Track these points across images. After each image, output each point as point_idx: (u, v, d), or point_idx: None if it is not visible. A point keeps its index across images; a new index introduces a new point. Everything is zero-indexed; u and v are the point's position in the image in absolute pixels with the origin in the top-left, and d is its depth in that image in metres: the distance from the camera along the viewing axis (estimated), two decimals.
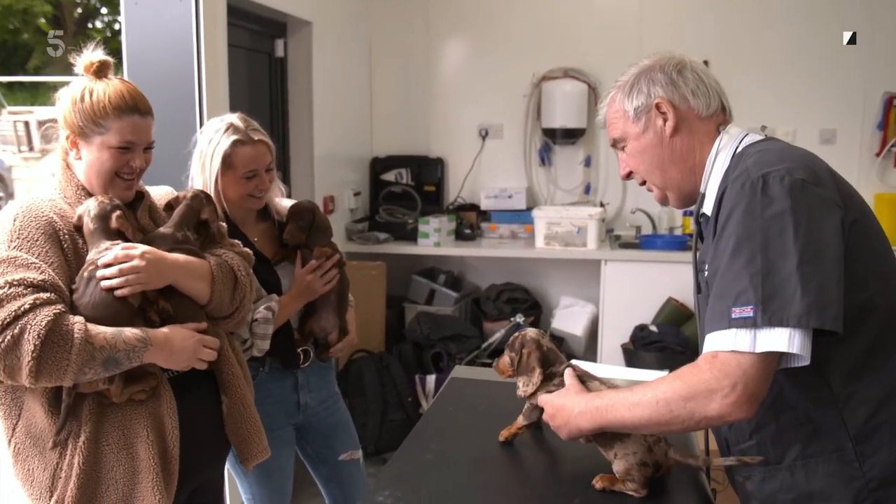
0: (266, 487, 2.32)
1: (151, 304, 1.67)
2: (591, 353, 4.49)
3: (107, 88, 1.69)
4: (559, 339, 4.53)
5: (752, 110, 4.37)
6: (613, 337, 4.29)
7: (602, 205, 4.75)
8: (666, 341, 4.04)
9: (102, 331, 1.54)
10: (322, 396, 2.40)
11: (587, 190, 4.88)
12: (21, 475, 1.64)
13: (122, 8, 2.75)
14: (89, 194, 1.71)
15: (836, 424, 1.34)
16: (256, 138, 2.16)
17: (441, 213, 4.82)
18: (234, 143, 2.12)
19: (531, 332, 1.71)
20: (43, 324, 1.47)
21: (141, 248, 1.63)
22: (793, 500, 1.40)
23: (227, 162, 2.12)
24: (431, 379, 4.16)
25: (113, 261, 1.59)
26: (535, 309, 4.70)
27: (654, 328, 4.13)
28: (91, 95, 1.67)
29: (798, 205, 1.26)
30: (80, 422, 1.60)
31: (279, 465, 2.29)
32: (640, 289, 4.28)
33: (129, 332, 1.58)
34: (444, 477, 1.58)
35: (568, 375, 1.61)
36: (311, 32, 3.99)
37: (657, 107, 1.50)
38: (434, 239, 4.55)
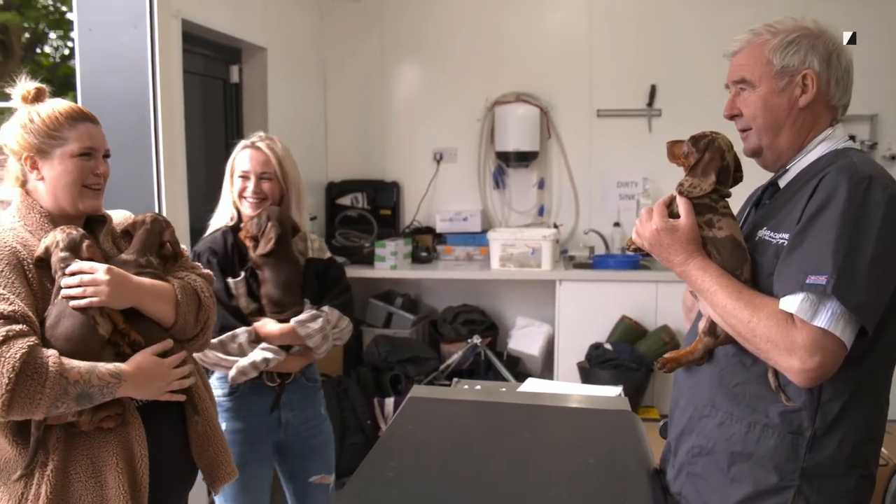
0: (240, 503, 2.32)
1: (123, 336, 1.66)
2: (547, 372, 4.54)
3: (53, 105, 1.71)
4: (516, 360, 4.58)
5: None
6: (569, 356, 4.35)
7: (556, 226, 4.83)
8: (620, 359, 4.11)
9: (77, 365, 1.53)
10: (306, 416, 2.41)
11: (541, 212, 4.96)
12: None
13: (76, 34, 2.75)
14: (52, 220, 1.69)
15: (809, 413, 1.43)
16: (259, 144, 2.36)
17: (397, 236, 4.85)
18: (241, 147, 2.37)
19: (723, 139, 1.58)
20: (17, 356, 1.45)
21: (107, 266, 1.63)
22: (731, 453, 1.50)
23: (232, 165, 2.39)
24: (390, 402, 4.16)
25: (77, 271, 1.59)
26: (492, 330, 4.74)
27: (608, 346, 4.20)
28: (40, 114, 1.68)
29: (890, 215, 1.36)
30: (48, 451, 1.58)
31: (256, 482, 2.30)
32: (594, 308, 4.35)
33: (103, 367, 1.57)
34: (404, 494, 1.59)
35: (682, 204, 1.55)
36: (265, 58, 4.01)
37: (804, 76, 1.51)
38: (390, 262, 4.57)
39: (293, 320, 2.28)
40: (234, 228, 2.38)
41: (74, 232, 1.65)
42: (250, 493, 2.31)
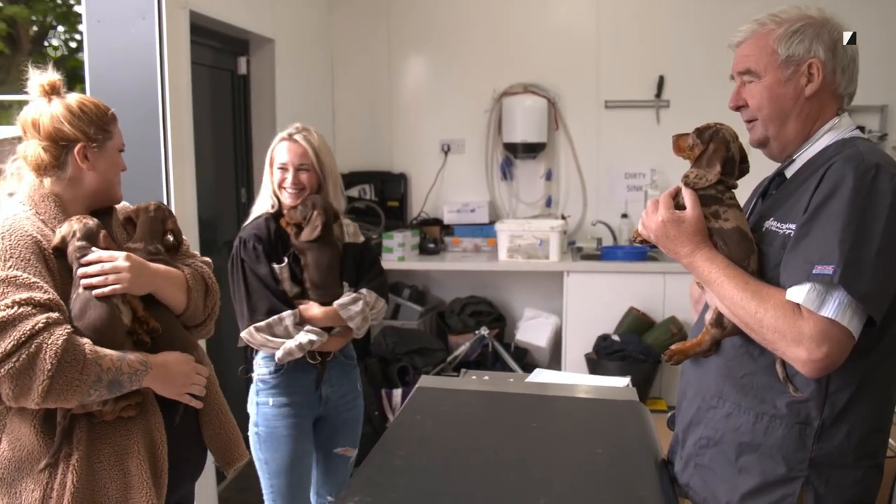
0: (285, 479, 2.43)
1: (142, 324, 1.68)
2: (555, 363, 4.55)
3: (90, 98, 1.73)
4: (523, 351, 4.59)
5: None
6: (577, 347, 4.36)
7: (563, 217, 4.83)
8: (628, 350, 4.11)
9: (108, 353, 1.55)
10: (343, 391, 2.53)
11: (548, 203, 4.96)
12: (6, 498, 1.61)
13: (84, 27, 2.76)
14: (64, 210, 1.68)
15: (817, 403, 1.43)
16: (296, 137, 2.41)
17: (405, 227, 4.86)
18: (279, 139, 2.45)
19: (727, 130, 1.58)
20: (59, 343, 1.46)
21: (126, 252, 1.66)
22: (739, 444, 1.50)
23: (271, 156, 2.45)
24: (398, 393, 4.17)
25: (96, 259, 1.60)
26: (500, 321, 4.74)
27: (616, 338, 4.20)
28: (84, 106, 1.69)
29: None
30: (72, 441, 1.59)
31: (301, 455, 2.44)
32: (601, 299, 4.36)
33: (132, 355, 1.60)
34: (413, 482, 1.60)
35: (688, 196, 1.55)
36: (273, 50, 4.01)
37: (809, 65, 1.49)
38: (398, 254, 4.58)
39: (336, 303, 2.40)
40: (275, 215, 2.46)
41: (90, 221, 1.66)
42: (297, 466, 2.43)
